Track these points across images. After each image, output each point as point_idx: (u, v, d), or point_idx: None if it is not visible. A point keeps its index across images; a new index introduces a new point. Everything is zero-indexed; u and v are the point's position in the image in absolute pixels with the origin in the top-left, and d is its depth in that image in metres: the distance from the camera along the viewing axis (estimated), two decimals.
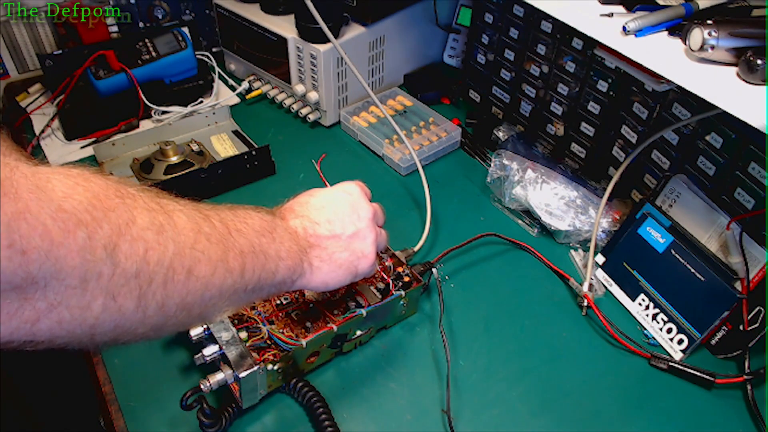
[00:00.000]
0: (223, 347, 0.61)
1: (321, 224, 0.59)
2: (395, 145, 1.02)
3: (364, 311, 0.68)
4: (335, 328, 0.65)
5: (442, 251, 0.82)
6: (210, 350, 0.62)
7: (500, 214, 0.93)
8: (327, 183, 0.97)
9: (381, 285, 0.73)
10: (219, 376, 0.60)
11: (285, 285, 0.55)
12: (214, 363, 0.62)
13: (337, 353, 0.70)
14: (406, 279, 0.74)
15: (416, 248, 0.83)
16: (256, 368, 0.59)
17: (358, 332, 0.70)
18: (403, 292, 0.71)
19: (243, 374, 0.59)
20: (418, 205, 0.94)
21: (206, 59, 1.18)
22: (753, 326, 0.69)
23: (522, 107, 1.05)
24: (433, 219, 0.89)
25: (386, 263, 0.75)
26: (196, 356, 0.62)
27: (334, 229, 0.59)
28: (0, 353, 0.35)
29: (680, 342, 0.73)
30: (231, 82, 1.19)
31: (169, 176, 0.92)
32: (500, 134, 1.03)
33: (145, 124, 1.07)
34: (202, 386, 0.59)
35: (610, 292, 0.81)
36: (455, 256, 0.85)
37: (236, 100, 1.16)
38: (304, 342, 0.63)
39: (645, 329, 0.77)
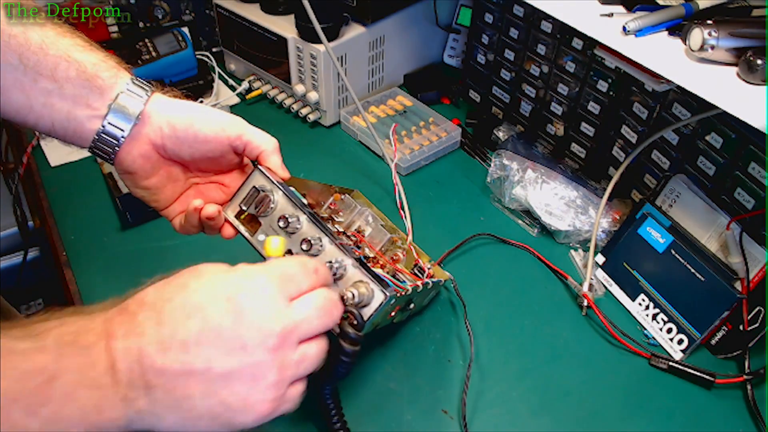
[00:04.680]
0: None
1: (172, 350, 0.38)
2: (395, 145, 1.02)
3: (426, 282, 0.66)
4: (420, 285, 0.63)
5: (441, 251, 0.82)
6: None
7: (500, 214, 0.93)
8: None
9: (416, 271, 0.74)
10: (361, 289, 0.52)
11: None
12: None
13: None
14: (430, 273, 0.74)
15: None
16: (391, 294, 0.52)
17: (412, 305, 0.68)
18: (442, 279, 0.73)
19: (389, 293, 0.52)
20: (419, 206, 0.94)
21: (206, 59, 1.18)
22: (753, 326, 0.69)
23: (522, 107, 1.05)
24: (433, 219, 0.89)
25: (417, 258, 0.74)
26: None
27: (191, 360, 0.38)
28: None
29: (680, 342, 0.74)
30: (231, 82, 1.19)
31: None
32: (500, 134, 1.03)
33: None
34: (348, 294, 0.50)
35: (610, 292, 0.81)
36: (455, 257, 0.85)
37: (236, 100, 1.16)
38: (420, 283, 0.63)
39: (645, 329, 0.77)
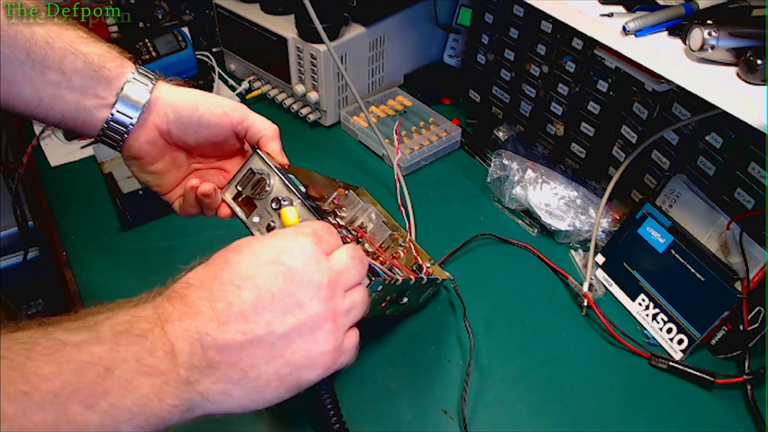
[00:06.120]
0: None
1: (231, 323, 0.38)
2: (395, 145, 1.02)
3: (420, 277, 0.67)
4: (412, 278, 0.64)
5: (441, 251, 0.82)
6: None
7: (500, 214, 0.93)
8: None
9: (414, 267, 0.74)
10: None
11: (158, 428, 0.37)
12: None
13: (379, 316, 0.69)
14: (428, 271, 0.74)
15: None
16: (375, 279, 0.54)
17: (405, 299, 0.68)
18: (440, 278, 0.72)
19: (375, 279, 0.53)
20: (419, 206, 0.94)
21: (206, 59, 1.18)
22: (753, 326, 0.69)
23: (522, 107, 1.05)
24: (433, 219, 0.89)
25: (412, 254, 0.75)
26: None
27: (253, 328, 0.39)
28: None
29: (680, 342, 0.73)
30: (231, 82, 1.19)
31: None
32: (500, 134, 1.03)
33: None
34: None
35: (610, 292, 0.81)
36: (456, 258, 0.85)
37: (236, 100, 1.16)
38: (413, 276, 0.64)
39: (645, 329, 0.77)
